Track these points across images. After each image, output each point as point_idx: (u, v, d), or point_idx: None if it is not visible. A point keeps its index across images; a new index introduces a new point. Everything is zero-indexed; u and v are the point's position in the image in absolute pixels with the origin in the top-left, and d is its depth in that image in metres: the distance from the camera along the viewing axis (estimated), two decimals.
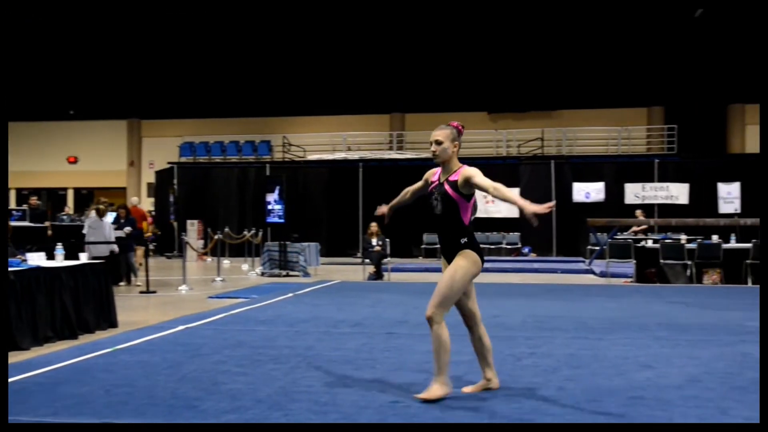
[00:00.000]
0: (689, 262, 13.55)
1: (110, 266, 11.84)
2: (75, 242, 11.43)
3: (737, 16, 23.10)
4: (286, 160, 25.50)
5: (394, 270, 15.53)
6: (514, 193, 4.57)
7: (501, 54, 24.93)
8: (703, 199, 20.38)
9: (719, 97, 24.39)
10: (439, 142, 4.69)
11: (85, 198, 27.57)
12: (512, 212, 21.35)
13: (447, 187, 4.66)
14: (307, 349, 6.48)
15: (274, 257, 15.49)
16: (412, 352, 6.31)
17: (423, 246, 21.52)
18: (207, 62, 26.58)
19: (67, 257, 7.75)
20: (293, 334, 7.37)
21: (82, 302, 7.47)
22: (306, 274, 15.13)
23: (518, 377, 5.29)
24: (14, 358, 6.00)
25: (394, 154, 24.51)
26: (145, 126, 28.58)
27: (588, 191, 21.05)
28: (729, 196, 20.55)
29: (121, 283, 12.59)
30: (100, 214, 12.05)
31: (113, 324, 7.95)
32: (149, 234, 19.56)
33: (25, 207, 15.80)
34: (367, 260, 14.90)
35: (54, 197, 28.58)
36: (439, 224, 4.78)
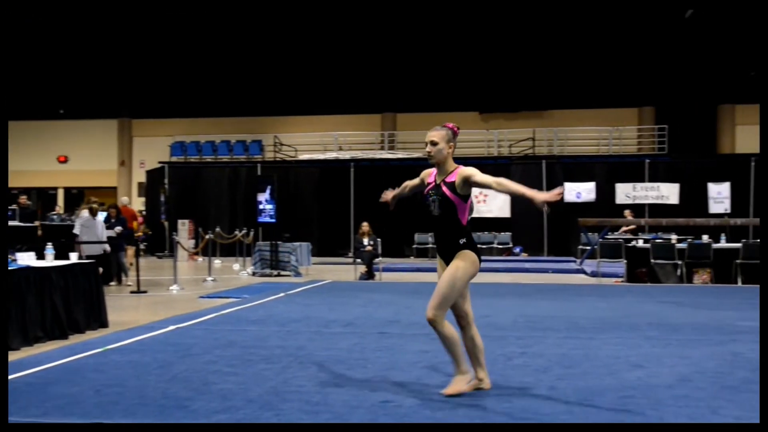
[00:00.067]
0: (680, 262, 13.60)
1: (102, 265, 11.87)
2: (65, 242, 11.38)
3: (727, 17, 23.21)
4: (278, 159, 25.46)
5: (385, 270, 15.53)
6: (518, 185, 4.61)
7: (492, 54, 24.96)
8: (694, 199, 20.47)
9: (709, 97, 24.51)
10: (434, 143, 4.69)
11: (76, 197, 27.44)
12: (504, 212, 21.43)
13: (444, 188, 4.66)
14: (299, 348, 6.47)
15: (265, 257, 15.47)
16: (403, 352, 6.31)
17: (414, 246, 21.53)
18: (198, 61, 26.50)
19: (57, 257, 7.71)
20: (285, 333, 7.36)
21: (73, 302, 7.44)
22: (297, 274, 15.12)
23: (509, 377, 5.30)
24: None
25: (386, 154, 24.52)
26: (135, 125, 28.47)
27: (579, 191, 21.11)
28: (719, 196, 20.65)
29: (112, 283, 12.54)
30: (93, 213, 12.01)
31: (104, 324, 7.92)
32: (140, 234, 19.50)
33: (14, 206, 15.71)
34: (359, 260, 14.89)
35: (44, 197, 28.43)
36: (437, 225, 4.78)
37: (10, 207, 15.92)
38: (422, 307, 9.72)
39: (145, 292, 11.73)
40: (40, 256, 7.70)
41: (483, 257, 5.03)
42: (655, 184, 21.04)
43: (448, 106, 24.56)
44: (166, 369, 5.58)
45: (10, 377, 5.21)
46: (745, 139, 24.32)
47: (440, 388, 4.95)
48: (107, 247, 12.07)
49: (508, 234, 21.47)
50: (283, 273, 15.22)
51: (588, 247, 17.48)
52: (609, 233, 17.26)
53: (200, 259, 19.81)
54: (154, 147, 27.03)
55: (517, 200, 21.18)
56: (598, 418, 4.24)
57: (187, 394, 4.77)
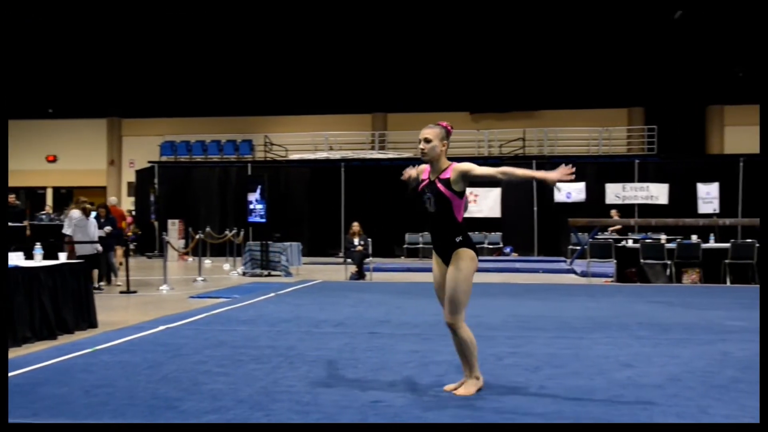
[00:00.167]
0: (669, 262, 13.66)
1: (94, 266, 11.85)
2: (54, 242, 11.33)
3: (716, 19, 23.34)
4: (268, 159, 25.41)
5: (376, 270, 15.53)
6: (523, 169, 4.67)
7: (483, 54, 25.00)
8: (683, 200, 20.56)
9: (698, 98, 24.64)
10: (428, 140, 4.70)
11: (65, 197, 27.29)
12: (494, 212, 21.47)
13: (439, 185, 4.67)
14: (289, 349, 6.46)
15: (255, 257, 15.44)
16: (394, 352, 6.31)
17: (405, 246, 21.54)
18: (188, 61, 26.41)
19: (46, 257, 7.67)
20: (275, 334, 7.34)
21: (61, 302, 7.40)
22: (288, 274, 15.09)
23: (499, 377, 5.31)
24: None
25: (376, 154, 24.52)
26: (125, 125, 28.35)
27: (569, 191, 21.17)
28: (708, 196, 20.75)
29: (101, 283, 12.48)
30: (87, 213, 11.98)
31: (93, 324, 7.89)
32: (130, 234, 19.42)
33: None
34: (349, 260, 14.89)
35: (32, 196, 28.28)
36: (433, 223, 4.80)
37: None
38: (413, 307, 9.78)
39: (134, 292, 11.69)
40: (29, 255, 7.65)
41: None
42: (645, 185, 21.12)
43: (439, 106, 24.58)
44: (156, 369, 5.56)
45: None
46: (733, 140, 24.48)
47: (430, 387, 4.96)
48: (100, 247, 12.04)
49: (499, 234, 21.50)
50: (273, 273, 15.20)
51: (578, 247, 17.54)
52: (599, 233, 17.32)
53: (190, 259, 19.76)
54: (143, 146, 26.92)
55: (507, 200, 21.30)
56: (588, 418, 4.25)
57: (177, 395, 4.76)
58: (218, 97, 26.48)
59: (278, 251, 15.31)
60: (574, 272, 16.25)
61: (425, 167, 4.85)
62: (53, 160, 28.65)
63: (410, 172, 5.01)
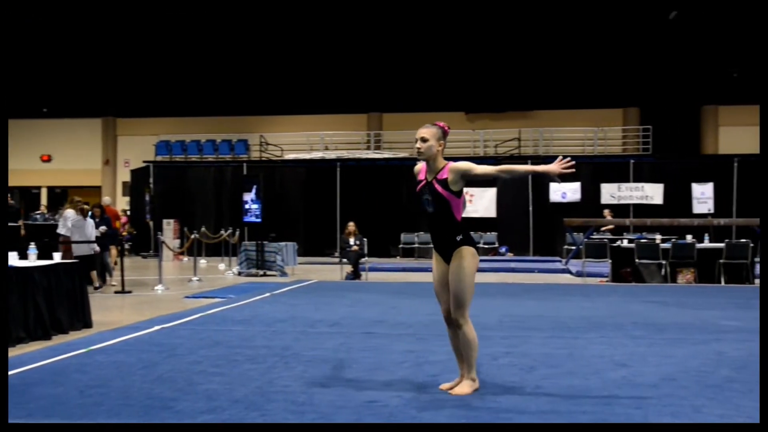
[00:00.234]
0: (664, 262, 13.68)
1: (90, 266, 11.85)
2: (49, 241, 11.30)
3: (711, 19, 23.40)
4: (264, 159, 25.38)
5: (371, 270, 15.53)
6: (523, 165, 4.70)
7: (478, 54, 25.02)
8: (678, 200, 20.59)
9: (693, 98, 24.70)
10: (424, 140, 4.70)
11: (59, 197, 27.24)
12: (489, 212, 21.48)
13: (437, 185, 4.68)
14: (284, 348, 6.46)
15: (251, 257, 15.41)
16: (389, 352, 6.31)
17: (401, 246, 21.53)
18: (184, 60, 26.37)
19: (40, 257, 7.65)
20: (270, 333, 7.34)
21: (56, 302, 7.38)
22: (283, 274, 15.08)
23: (495, 376, 5.31)
24: None
25: (372, 154, 24.51)
26: (120, 124, 28.29)
27: (564, 191, 21.20)
28: (702, 196, 20.80)
29: (96, 284, 12.44)
30: (84, 213, 11.97)
31: (88, 324, 7.87)
32: (125, 233, 19.38)
33: None
34: (345, 260, 14.88)
35: (27, 196, 28.20)
36: (433, 223, 4.82)
37: None
38: (408, 307, 9.78)
39: (129, 292, 11.66)
40: (23, 255, 7.63)
41: None
42: (640, 185, 21.16)
43: (434, 106, 24.59)
44: (151, 369, 5.55)
45: None
46: (728, 140, 24.56)
47: (426, 387, 4.96)
48: (97, 247, 12.04)
49: (494, 234, 21.51)
50: (268, 273, 15.18)
51: (573, 247, 17.56)
52: (594, 233, 17.35)
53: (185, 259, 19.71)
54: (138, 146, 26.87)
55: (503, 200, 21.32)
56: (583, 418, 4.26)
57: (172, 395, 4.75)
58: (214, 96, 26.44)
59: (274, 251, 15.29)
60: (570, 272, 16.27)
61: (421, 167, 4.85)
62: (48, 159, 28.57)
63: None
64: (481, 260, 4.94)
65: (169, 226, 21.39)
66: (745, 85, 23.45)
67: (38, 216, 20.61)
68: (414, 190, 4.93)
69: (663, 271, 13.71)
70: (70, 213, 11.94)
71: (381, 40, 25.14)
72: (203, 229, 16.95)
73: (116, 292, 11.67)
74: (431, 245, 4.92)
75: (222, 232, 17.66)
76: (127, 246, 19.51)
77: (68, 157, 28.20)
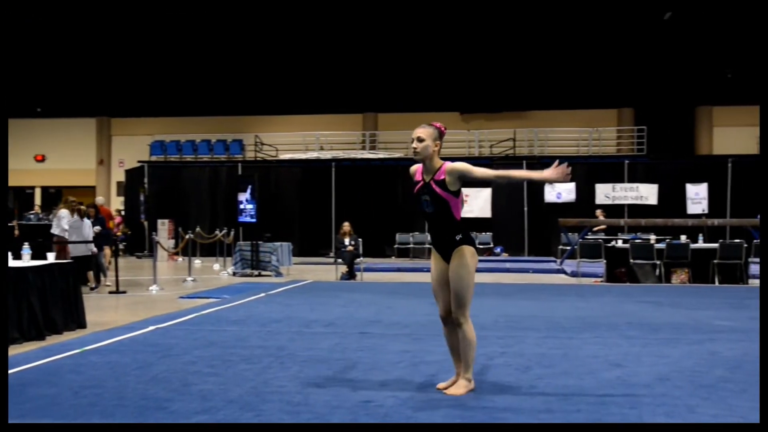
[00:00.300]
0: (658, 262, 13.72)
1: (86, 267, 11.82)
2: (43, 241, 11.27)
3: (705, 20, 23.47)
4: (259, 159, 25.36)
5: (366, 270, 15.53)
6: (519, 171, 4.70)
7: (474, 55, 25.04)
8: (672, 200, 20.65)
9: (687, 99, 24.77)
10: (421, 139, 4.71)
11: (53, 197, 27.15)
12: (484, 212, 21.50)
13: (435, 186, 4.68)
14: (279, 349, 6.45)
15: (246, 257, 15.40)
16: (385, 352, 6.31)
17: (396, 246, 21.53)
18: (178, 60, 26.33)
19: (34, 257, 7.62)
20: (265, 334, 7.33)
21: (50, 303, 7.36)
22: (278, 274, 15.07)
23: (490, 376, 5.32)
24: None
25: (367, 154, 24.52)
26: (114, 124, 28.24)
27: (559, 191, 21.23)
28: (697, 196, 20.86)
29: (90, 284, 12.42)
30: (81, 214, 11.94)
31: (82, 325, 7.85)
32: (119, 233, 19.34)
33: None
34: (340, 260, 14.87)
35: (21, 196, 28.11)
36: (432, 223, 4.83)
37: None
38: (403, 307, 9.78)
39: (124, 292, 11.64)
40: (17, 256, 7.61)
41: None
42: (634, 185, 21.21)
43: (429, 106, 24.61)
44: (146, 370, 5.54)
45: None
46: (722, 141, 24.64)
47: (421, 387, 4.96)
48: (95, 248, 12.02)
49: (489, 234, 21.53)
50: (263, 273, 15.17)
51: (568, 247, 17.59)
52: (588, 233, 17.38)
53: (180, 259, 19.69)
54: (133, 146, 26.82)
55: (498, 200, 21.35)
56: (578, 418, 4.26)
57: (166, 395, 4.74)
58: (208, 96, 26.41)
59: (269, 251, 15.28)
60: (564, 272, 16.30)
61: (417, 168, 4.85)
62: (42, 159, 28.50)
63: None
64: (478, 260, 4.95)
65: (163, 227, 21.36)
66: (739, 86, 23.54)
67: (32, 216, 20.55)
68: (409, 190, 4.93)
69: (657, 271, 13.75)
70: (64, 213, 11.91)
71: (376, 40, 25.14)
72: (198, 229, 16.91)
73: (111, 293, 11.64)
74: (426, 245, 4.96)
75: (217, 232, 17.64)
76: (121, 246, 19.48)
77: (62, 157, 28.13)
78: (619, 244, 14.71)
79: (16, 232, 14.90)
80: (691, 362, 5.91)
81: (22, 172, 28.13)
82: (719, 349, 6.50)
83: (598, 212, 18.68)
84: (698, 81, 24.39)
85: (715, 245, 13.84)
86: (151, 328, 7.63)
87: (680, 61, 24.18)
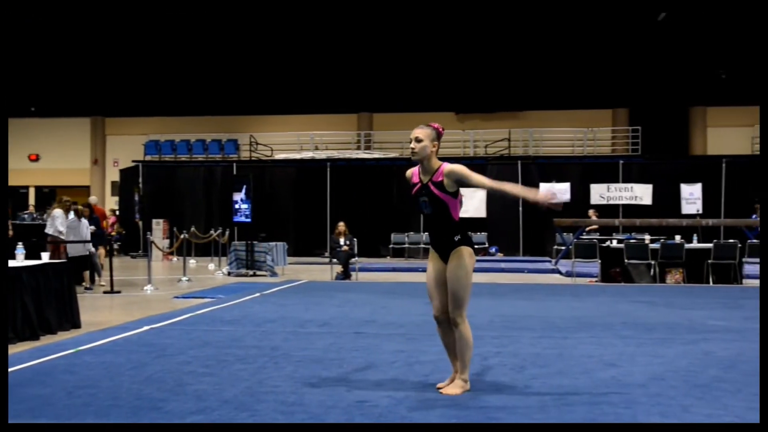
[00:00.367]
0: (653, 262, 13.74)
1: (83, 267, 11.80)
2: (37, 241, 11.24)
3: (700, 20, 23.53)
4: (253, 159, 25.33)
5: (361, 270, 15.52)
6: (514, 186, 4.77)
7: (469, 55, 25.05)
8: (667, 200, 20.68)
9: (682, 99, 24.83)
10: (419, 140, 4.71)
11: (47, 196, 27.06)
12: (480, 212, 21.49)
13: (433, 187, 4.68)
14: (274, 349, 6.44)
15: (240, 257, 15.38)
16: (380, 352, 6.31)
17: (391, 246, 21.52)
18: (173, 59, 26.27)
19: (28, 257, 7.60)
20: (260, 334, 7.32)
21: (44, 303, 7.34)
22: (273, 274, 15.05)
23: (485, 376, 5.32)
24: None
25: (362, 154, 24.50)
26: (109, 123, 28.15)
27: (554, 192, 21.24)
28: (691, 196, 20.90)
29: (84, 284, 12.39)
30: (78, 214, 11.91)
31: (76, 324, 7.83)
32: (113, 233, 19.29)
33: None
34: (335, 260, 14.87)
35: (14, 195, 27.99)
36: (431, 224, 4.84)
37: None
38: (398, 307, 9.78)
39: (118, 292, 11.61)
40: (11, 255, 7.58)
41: None
42: (629, 185, 21.24)
43: (425, 106, 24.61)
44: (140, 370, 5.53)
45: None
46: (716, 141, 24.70)
47: (416, 387, 4.96)
48: (92, 248, 12.00)
49: (484, 234, 21.53)
50: (258, 273, 15.15)
51: (563, 247, 17.61)
52: (583, 233, 17.41)
53: (175, 259, 19.65)
54: (127, 145, 26.74)
55: (493, 200, 21.35)
56: (573, 417, 4.27)
57: (161, 395, 4.73)
58: (203, 96, 26.35)
59: (263, 251, 15.26)
60: (559, 272, 16.32)
61: (414, 171, 4.86)
62: (36, 159, 28.40)
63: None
64: (475, 260, 4.97)
65: (158, 226, 21.32)
66: (733, 87, 23.61)
67: (26, 216, 20.48)
68: (405, 190, 4.94)
69: (652, 271, 13.78)
70: (58, 213, 11.88)
71: (371, 40, 25.13)
72: (193, 229, 16.90)
73: (105, 293, 11.62)
74: (421, 245, 4.97)
75: (212, 232, 17.61)
76: (116, 246, 19.42)
77: (56, 157, 28.04)
78: (614, 244, 14.74)
79: (10, 231, 14.82)
80: (685, 362, 5.92)
81: (16, 172, 27.97)
82: (713, 348, 6.52)
83: (591, 212, 18.71)
84: (692, 81, 24.45)
85: (710, 245, 13.88)
86: (146, 328, 7.62)
87: (674, 61, 24.24)
